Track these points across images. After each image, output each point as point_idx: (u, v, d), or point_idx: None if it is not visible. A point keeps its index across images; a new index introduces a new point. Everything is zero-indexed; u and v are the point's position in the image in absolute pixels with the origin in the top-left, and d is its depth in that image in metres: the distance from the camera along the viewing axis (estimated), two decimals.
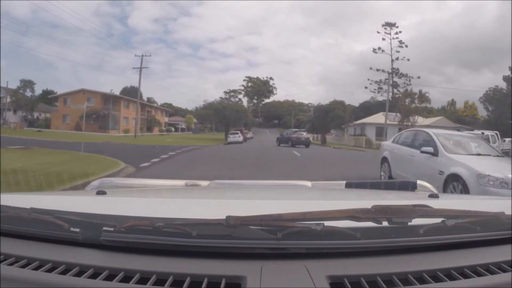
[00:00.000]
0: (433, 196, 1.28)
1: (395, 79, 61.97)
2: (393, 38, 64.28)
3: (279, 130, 61.03)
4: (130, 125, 48.28)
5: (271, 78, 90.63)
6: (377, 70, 63.31)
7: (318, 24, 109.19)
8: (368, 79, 65.64)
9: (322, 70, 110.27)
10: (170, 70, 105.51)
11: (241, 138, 36.64)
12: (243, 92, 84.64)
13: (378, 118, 43.13)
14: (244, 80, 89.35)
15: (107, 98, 47.98)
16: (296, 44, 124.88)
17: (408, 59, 62.22)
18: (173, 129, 62.70)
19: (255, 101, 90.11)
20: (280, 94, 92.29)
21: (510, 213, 0.84)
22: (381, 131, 37.64)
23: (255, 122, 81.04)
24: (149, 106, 60.55)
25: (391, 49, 63.78)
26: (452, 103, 58.66)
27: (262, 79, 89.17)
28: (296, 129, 36.40)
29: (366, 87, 65.92)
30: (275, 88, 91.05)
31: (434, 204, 0.86)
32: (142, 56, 41.53)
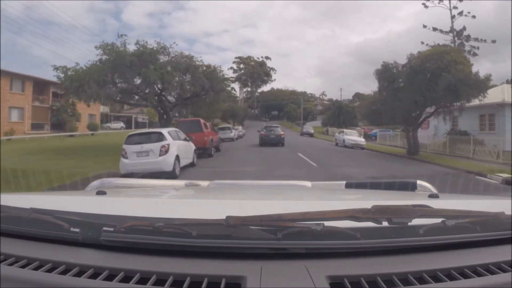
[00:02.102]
0: (433, 196, 1.28)
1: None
2: None
3: (282, 123, 47.49)
4: (3, 120, 22.97)
5: (267, 58, 69.18)
6: (434, 29, 34.41)
7: (314, 15, 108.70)
8: (422, 43, 34.18)
9: (319, 62, 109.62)
10: None
11: (167, 165, 9.14)
12: (234, 77, 57.39)
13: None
14: (234, 62, 68.19)
15: None
16: (293, 36, 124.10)
17: (474, 16, 33.05)
18: (121, 125, 37.25)
19: (249, 88, 70.82)
20: (277, 87, 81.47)
21: (510, 213, 0.84)
22: None
23: (250, 114, 64.84)
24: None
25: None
26: None
27: (257, 59, 68.53)
28: (271, 125, 25.57)
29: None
30: (273, 70, 69.39)
31: (434, 204, 0.86)
32: None
